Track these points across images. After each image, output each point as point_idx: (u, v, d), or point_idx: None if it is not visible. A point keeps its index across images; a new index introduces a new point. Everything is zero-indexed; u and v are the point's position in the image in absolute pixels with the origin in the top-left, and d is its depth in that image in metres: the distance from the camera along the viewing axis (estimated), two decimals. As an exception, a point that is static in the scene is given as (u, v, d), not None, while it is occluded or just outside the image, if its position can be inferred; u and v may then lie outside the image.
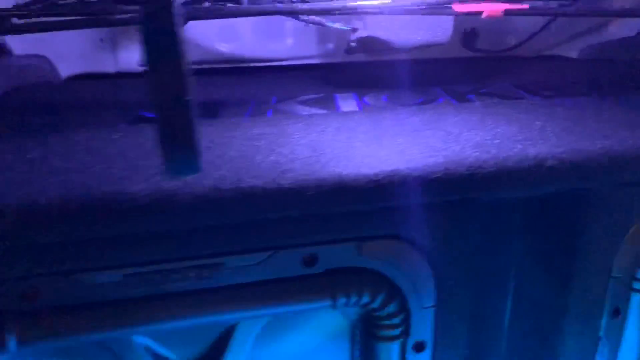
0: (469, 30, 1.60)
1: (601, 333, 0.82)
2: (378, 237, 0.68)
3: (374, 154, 0.66)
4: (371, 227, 0.68)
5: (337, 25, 1.02)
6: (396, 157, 0.65)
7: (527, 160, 0.67)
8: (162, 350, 0.72)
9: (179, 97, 0.46)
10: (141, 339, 0.69)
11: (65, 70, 1.35)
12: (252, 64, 1.42)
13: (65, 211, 0.55)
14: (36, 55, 1.30)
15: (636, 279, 0.80)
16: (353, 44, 1.48)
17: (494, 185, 0.67)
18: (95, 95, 1.17)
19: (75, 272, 0.60)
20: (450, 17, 1.12)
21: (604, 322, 0.81)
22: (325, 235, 0.66)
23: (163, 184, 0.57)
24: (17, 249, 0.59)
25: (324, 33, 1.46)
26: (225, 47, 1.37)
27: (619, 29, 1.67)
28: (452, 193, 0.66)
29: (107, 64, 1.37)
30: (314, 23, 0.97)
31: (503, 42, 1.62)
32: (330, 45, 1.50)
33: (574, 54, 1.71)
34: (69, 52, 1.35)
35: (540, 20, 1.65)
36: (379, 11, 0.87)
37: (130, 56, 1.36)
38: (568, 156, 0.68)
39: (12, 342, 0.59)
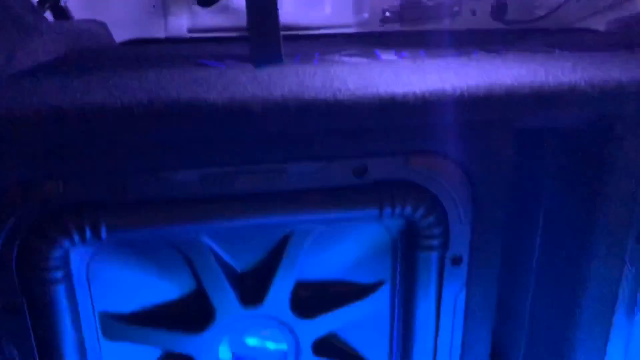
0: (498, 3, 1.66)
1: (626, 257, 0.88)
2: (423, 152, 0.75)
3: (421, 79, 0.73)
4: (418, 143, 0.75)
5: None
6: (441, 81, 0.72)
7: (562, 86, 0.74)
8: (225, 256, 0.80)
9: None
10: (208, 241, 0.77)
11: (120, 35, 1.45)
12: (292, 32, 1.51)
13: (150, 114, 0.64)
14: (94, 21, 1.41)
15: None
16: (388, 13, 1.55)
17: (529, 107, 0.74)
18: (152, 54, 1.27)
19: (158, 170, 0.69)
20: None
21: (629, 246, 0.87)
22: (374, 147, 0.74)
23: (236, 94, 0.65)
24: (111, 148, 0.67)
25: (360, 3, 1.54)
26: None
27: (646, 3, 1.71)
28: (492, 112, 0.73)
29: (157, 30, 1.47)
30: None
31: (531, 13, 1.68)
32: (366, 15, 1.57)
33: (601, 27, 1.75)
34: (123, 17, 1.45)
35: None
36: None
37: (180, 23, 1.45)
38: (599, 82, 0.75)
39: (103, 229, 0.68)
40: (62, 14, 1.37)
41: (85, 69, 0.82)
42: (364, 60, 1.05)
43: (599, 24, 1.75)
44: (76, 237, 0.68)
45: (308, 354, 0.87)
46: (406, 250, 0.82)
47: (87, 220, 0.67)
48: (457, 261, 0.82)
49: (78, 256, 0.72)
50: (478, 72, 0.77)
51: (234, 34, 1.50)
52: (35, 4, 1.18)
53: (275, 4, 0.54)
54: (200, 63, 1.04)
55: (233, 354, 0.87)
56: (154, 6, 1.44)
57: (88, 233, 0.68)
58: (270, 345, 0.88)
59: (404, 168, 0.75)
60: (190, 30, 1.46)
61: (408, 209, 0.76)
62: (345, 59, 1.08)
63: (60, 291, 0.71)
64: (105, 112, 0.63)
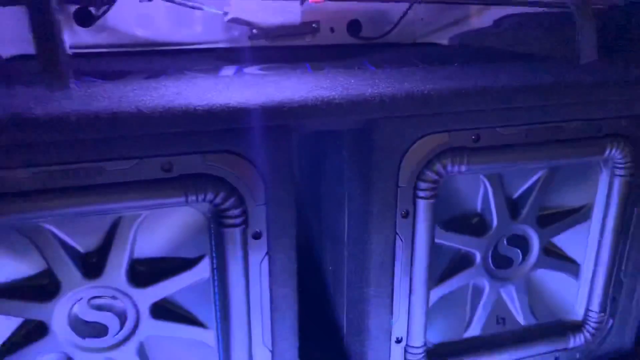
0: (352, 21, 1.92)
1: (397, 230, 1.14)
2: (219, 151, 0.98)
3: (226, 93, 0.96)
4: (214, 144, 0.97)
5: (212, 10, 1.31)
6: (237, 96, 0.95)
7: (320, 99, 0.98)
8: (66, 238, 1.00)
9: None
10: (50, 227, 0.96)
11: (7, 51, 1.60)
12: (163, 47, 1.71)
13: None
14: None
15: (417, 189, 1.12)
16: (255, 30, 1.78)
17: (299, 116, 0.98)
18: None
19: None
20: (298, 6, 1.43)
21: (397, 221, 1.13)
22: (177, 148, 0.95)
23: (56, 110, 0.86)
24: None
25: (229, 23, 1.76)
26: (141, 32, 1.65)
27: (479, 20, 2.02)
28: (271, 120, 0.97)
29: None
30: (193, 7, 1.26)
31: (382, 30, 1.95)
32: (236, 33, 1.79)
33: (445, 41, 2.05)
34: (10, 34, 1.60)
35: (418, 13, 1.99)
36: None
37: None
38: (347, 98, 1.00)
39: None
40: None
41: None
42: (201, 75, 1.27)
43: (443, 38, 2.06)
44: None
45: (147, 316, 1.08)
46: (217, 229, 1.04)
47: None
48: (257, 236, 1.05)
49: None
50: (271, 86, 1.01)
51: (108, 50, 1.69)
52: None
53: (59, 34, 0.74)
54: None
55: (81, 319, 1.06)
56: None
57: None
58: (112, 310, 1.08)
59: (202, 164, 0.98)
60: (71, 47, 1.62)
61: (210, 196, 0.99)
62: (189, 74, 1.30)
63: None
64: None
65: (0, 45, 1.58)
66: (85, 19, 1.62)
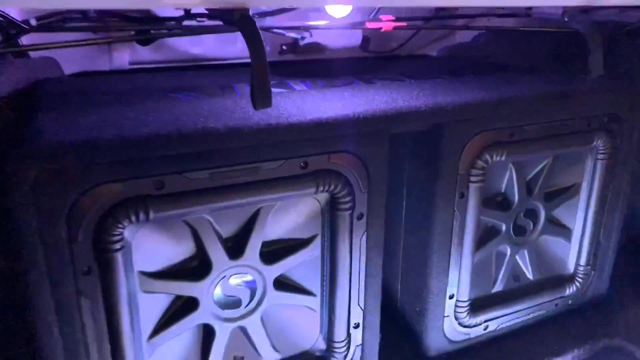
0: (364, 38, 2.23)
1: (455, 207, 1.47)
2: (339, 151, 1.25)
3: (330, 107, 1.24)
4: (335, 146, 1.24)
5: (292, 35, 1.57)
6: (343, 108, 1.23)
7: (411, 107, 1.29)
8: (217, 226, 1.22)
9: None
10: (208, 217, 1.19)
11: (68, 68, 1.74)
12: (213, 62, 1.92)
13: (175, 138, 1.05)
14: (47, 57, 1.69)
15: (471, 175, 1.45)
16: (284, 47, 2.05)
17: (393, 122, 1.27)
18: (106, 86, 1.60)
19: (182, 172, 1.09)
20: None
21: (456, 200, 1.46)
22: (311, 150, 1.22)
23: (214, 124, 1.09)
24: (153, 160, 1.06)
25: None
26: (195, 50, 1.86)
27: (461, 36, 2.40)
28: (375, 126, 1.25)
29: (103, 63, 1.79)
30: (277, 33, 1.51)
31: (388, 45, 2.28)
32: (268, 48, 2.04)
33: (434, 53, 2.41)
34: (71, 53, 1.75)
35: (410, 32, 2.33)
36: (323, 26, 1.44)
37: (123, 57, 1.79)
38: (427, 106, 1.31)
39: (151, 213, 1.07)
40: (20, 53, 1.64)
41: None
42: (284, 90, 1.52)
43: (433, 51, 2.42)
44: (133, 219, 1.06)
45: (271, 288, 1.32)
46: (331, 213, 1.31)
47: (141, 208, 1.06)
48: (360, 217, 1.33)
49: (129, 232, 1.10)
50: (363, 99, 1.30)
51: (165, 66, 1.88)
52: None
53: (267, 69, 0.99)
54: (168, 95, 1.43)
55: (223, 293, 1.29)
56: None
57: (141, 216, 1.06)
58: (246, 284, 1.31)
59: (328, 162, 1.24)
60: (131, 63, 1.80)
61: (332, 186, 1.26)
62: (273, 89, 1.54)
63: (119, 257, 1.08)
64: (155, 139, 1.03)
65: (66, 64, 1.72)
66: (144, 40, 1.79)
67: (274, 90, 1.50)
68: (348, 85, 1.59)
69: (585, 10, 1.49)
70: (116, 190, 1.04)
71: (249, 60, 2.03)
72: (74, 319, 1.07)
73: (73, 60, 1.73)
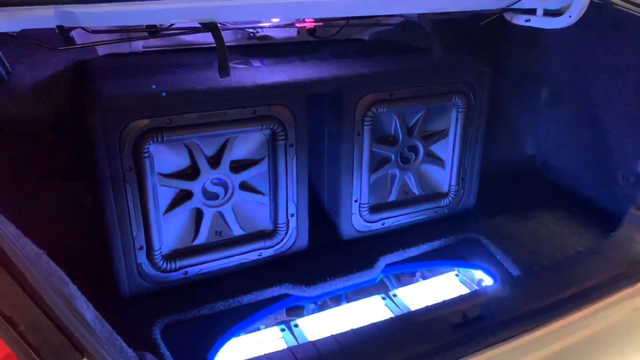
0: (311, 28, 3.03)
1: (354, 142, 2.32)
2: (278, 104, 2.09)
3: (277, 76, 2.08)
4: (274, 100, 2.08)
5: (249, 30, 2.40)
6: (287, 75, 2.08)
7: (321, 77, 2.13)
8: (203, 148, 2.07)
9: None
10: (197, 141, 2.04)
11: (100, 51, 2.55)
12: (202, 46, 2.73)
13: (177, 94, 1.89)
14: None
15: (364, 121, 2.30)
16: (251, 34, 2.86)
17: (309, 86, 2.11)
18: (129, 63, 2.42)
19: (183, 113, 1.93)
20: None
21: (354, 138, 2.31)
22: (258, 102, 2.05)
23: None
24: (168, 105, 1.90)
25: (236, 30, 2.81)
26: (190, 38, 2.67)
27: (386, 21, 3.20)
28: (293, 88, 2.10)
29: (123, 48, 2.60)
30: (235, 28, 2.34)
31: (329, 32, 3.08)
32: (239, 35, 2.84)
33: (366, 37, 3.22)
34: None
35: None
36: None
37: (138, 43, 2.60)
38: (330, 76, 2.15)
39: (165, 137, 1.92)
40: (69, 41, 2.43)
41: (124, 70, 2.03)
42: (246, 66, 2.35)
43: (366, 35, 3.23)
44: (154, 140, 1.90)
45: (237, 189, 2.18)
46: (272, 143, 2.15)
47: (159, 134, 1.90)
48: (291, 145, 2.18)
49: (152, 148, 1.94)
50: (293, 72, 2.14)
51: (168, 49, 2.69)
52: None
53: (226, 54, 1.82)
54: (173, 70, 2.25)
55: (207, 189, 2.14)
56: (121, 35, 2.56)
57: (158, 138, 1.91)
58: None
59: (269, 110, 2.09)
60: (144, 47, 2.61)
61: (272, 126, 2.10)
62: (238, 65, 2.37)
63: (147, 162, 1.93)
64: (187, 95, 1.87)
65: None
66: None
67: (238, 66, 2.36)
68: (289, 63, 2.42)
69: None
70: (144, 123, 1.88)
71: (228, 45, 2.85)
72: (122, 195, 1.92)
73: (103, 46, 2.52)
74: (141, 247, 2.01)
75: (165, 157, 2.01)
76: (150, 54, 2.58)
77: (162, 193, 2.04)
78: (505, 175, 2.97)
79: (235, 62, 2.42)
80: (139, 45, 2.61)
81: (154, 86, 1.91)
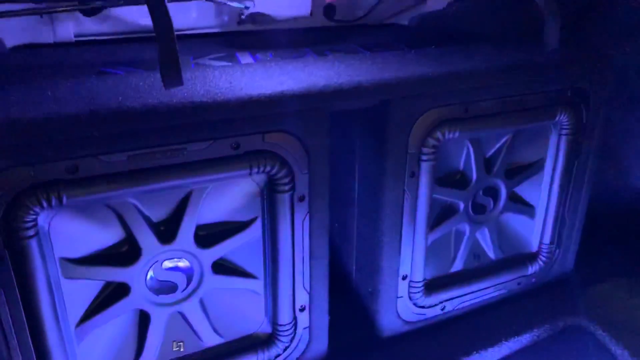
0: (328, 5, 2.12)
1: (405, 187, 1.41)
2: (275, 131, 1.18)
3: (269, 83, 1.16)
4: (270, 125, 1.18)
5: (234, 4, 1.48)
6: (281, 84, 1.16)
7: (352, 84, 1.21)
8: (145, 210, 1.17)
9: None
10: (133, 201, 1.13)
11: (10, 41, 1.66)
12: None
13: (85, 119, 0.98)
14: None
15: (422, 153, 1.39)
16: (243, 16, 1.95)
17: (332, 99, 1.20)
18: (49, 59, 1.52)
19: (98, 155, 1.03)
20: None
21: (406, 179, 1.40)
22: (243, 130, 1.15)
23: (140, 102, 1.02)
24: (66, 143, 1.00)
25: (220, 9, 1.90)
26: (145, 21, 1.76)
27: (434, 3, 2.29)
28: (313, 103, 1.18)
29: (46, 36, 1.70)
30: (215, 2, 1.42)
31: (354, 14, 2.17)
32: (225, 18, 1.94)
33: (405, 22, 2.31)
34: (12, 26, 1.66)
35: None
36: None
37: (67, 29, 1.70)
38: (369, 81, 1.23)
39: (64, 198, 1.02)
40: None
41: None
42: (228, 64, 1.44)
43: (404, 20, 2.31)
44: (45, 205, 1.01)
45: (209, 272, 1.28)
46: (270, 195, 1.25)
47: (54, 192, 1.00)
48: (301, 199, 1.28)
49: (43, 218, 1.04)
50: (306, 74, 1.22)
51: (113, 37, 1.79)
52: None
53: (175, 44, 0.91)
54: (101, 71, 1.35)
55: (156, 279, 1.24)
56: (41, 15, 1.67)
57: (53, 201, 1.01)
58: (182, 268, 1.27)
59: (262, 142, 1.18)
60: (76, 36, 1.71)
61: (268, 168, 1.20)
62: (214, 62, 1.46)
63: (33, 244, 1.03)
64: (71, 120, 0.97)
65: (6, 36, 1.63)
66: (89, 10, 1.70)
67: (215, 63, 1.44)
68: (299, 57, 1.51)
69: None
70: (23, 175, 0.98)
71: (204, 32, 1.94)
72: None
73: (14, 32, 1.64)
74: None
75: (75, 231, 1.11)
76: (82, 46, 1.68)
77: (72, 291, 1.14)
78: (612, 223, 2.04)
79: (210, 58, 1.52)
80: (68, 32, 1.71)
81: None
